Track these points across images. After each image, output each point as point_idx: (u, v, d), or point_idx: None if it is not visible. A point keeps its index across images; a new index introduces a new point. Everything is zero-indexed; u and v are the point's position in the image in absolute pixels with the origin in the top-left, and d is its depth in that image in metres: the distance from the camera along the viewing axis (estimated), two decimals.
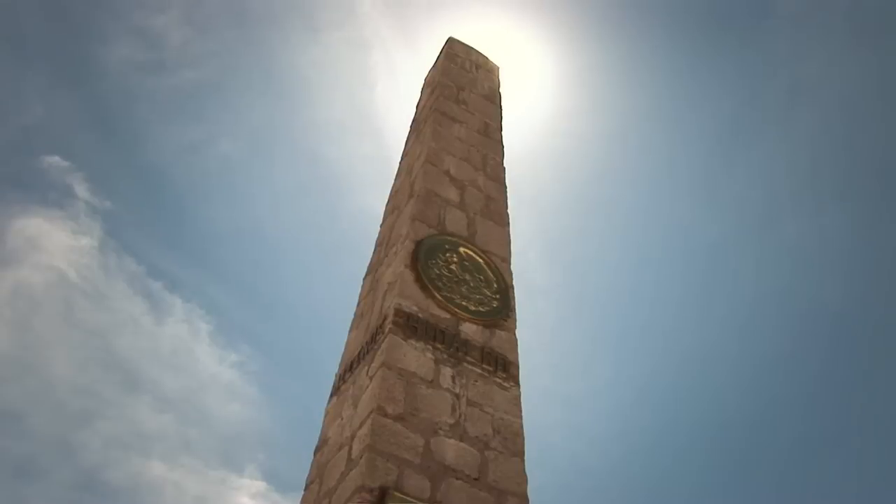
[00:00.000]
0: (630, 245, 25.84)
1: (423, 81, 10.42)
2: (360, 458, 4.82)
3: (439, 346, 5.77)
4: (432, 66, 10.29)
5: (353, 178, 26.17)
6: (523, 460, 5.46)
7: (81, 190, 22.32)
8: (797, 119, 24.71)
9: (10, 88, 22.72)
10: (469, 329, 6.09)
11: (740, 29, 25.60)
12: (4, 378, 20.14)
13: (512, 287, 6.81)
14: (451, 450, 5.12)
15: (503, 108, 9.51)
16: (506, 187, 8.14)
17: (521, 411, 5.80)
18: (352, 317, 7.33)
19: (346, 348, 6.90)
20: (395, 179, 8.79)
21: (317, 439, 6.14)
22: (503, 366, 6.01)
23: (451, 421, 5.32)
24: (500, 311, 6.45)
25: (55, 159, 22.37)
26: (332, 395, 6.44)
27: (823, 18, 24.64)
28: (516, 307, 6.66)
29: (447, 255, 6.58)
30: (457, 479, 4.97)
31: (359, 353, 6.19)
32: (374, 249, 7.96)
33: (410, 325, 5.76)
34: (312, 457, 6.00)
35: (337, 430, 5.70)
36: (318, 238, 25.75)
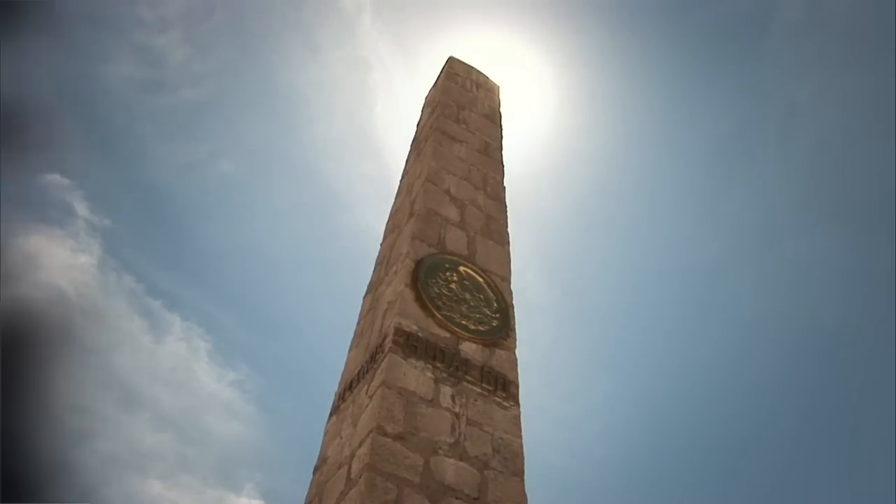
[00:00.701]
0: (629, 263, 25.91)
1: (423, 100, 10.48)
2: (360, 477, 4.81)
3: (439, 365, 5.77)
4: (433, 85, 10.36)
5: (353, 196, 26.27)
6: (523, 480, 5.45)
7: (81, 208, 22.34)
8: (795, 139, 24.90)
9: None
10: (469, 348, 6.09)
11: (739, 49, 25.84)
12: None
13: (512, 306, 6.82)
14: (450, 469, 5.10)
15: (503, 127, 9.57)
16: (506, 206, 8.18)
17: (521, 431, 5.79)
18: (351, 335, 7.33)
19: (345, 367, 6.90)
20: (396, 198, 8.82)
21: (316, 458, 6.12)
22: (503, 385, 6.01)
23: (451, 440, 5.31)
24: (500, 330, 6.45)
25: (55, 177, 22.44)
26: (331, 414, 6.42)
27: (821, 39, 24.89)
28: (516, 326, 6.67)
29: (447, 274, 6.60)
30: (456, 498, 4.95)
31: (358, 372, 6.18)
32: (374, 268, 7.97)
33: (410, 344, 5.76)
34: (311, 476, 5.97)
35: (336, 449, 5.69)
36: (317, 256, 25.78)
